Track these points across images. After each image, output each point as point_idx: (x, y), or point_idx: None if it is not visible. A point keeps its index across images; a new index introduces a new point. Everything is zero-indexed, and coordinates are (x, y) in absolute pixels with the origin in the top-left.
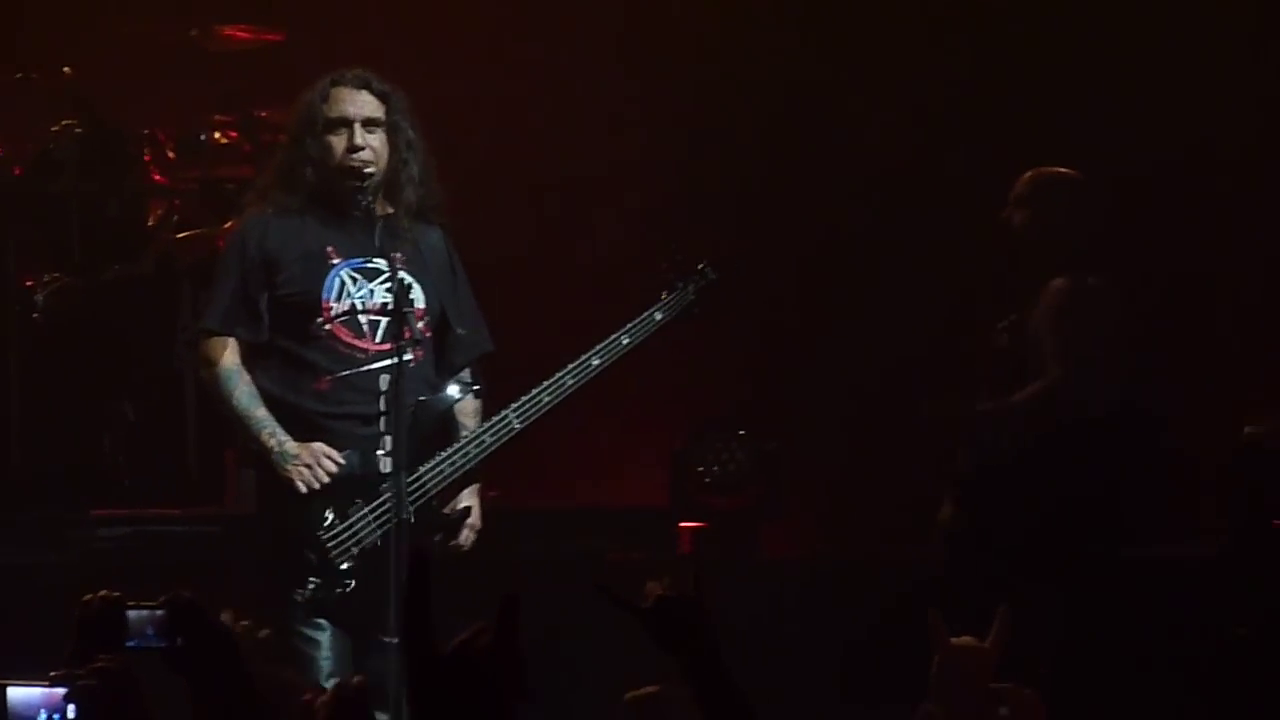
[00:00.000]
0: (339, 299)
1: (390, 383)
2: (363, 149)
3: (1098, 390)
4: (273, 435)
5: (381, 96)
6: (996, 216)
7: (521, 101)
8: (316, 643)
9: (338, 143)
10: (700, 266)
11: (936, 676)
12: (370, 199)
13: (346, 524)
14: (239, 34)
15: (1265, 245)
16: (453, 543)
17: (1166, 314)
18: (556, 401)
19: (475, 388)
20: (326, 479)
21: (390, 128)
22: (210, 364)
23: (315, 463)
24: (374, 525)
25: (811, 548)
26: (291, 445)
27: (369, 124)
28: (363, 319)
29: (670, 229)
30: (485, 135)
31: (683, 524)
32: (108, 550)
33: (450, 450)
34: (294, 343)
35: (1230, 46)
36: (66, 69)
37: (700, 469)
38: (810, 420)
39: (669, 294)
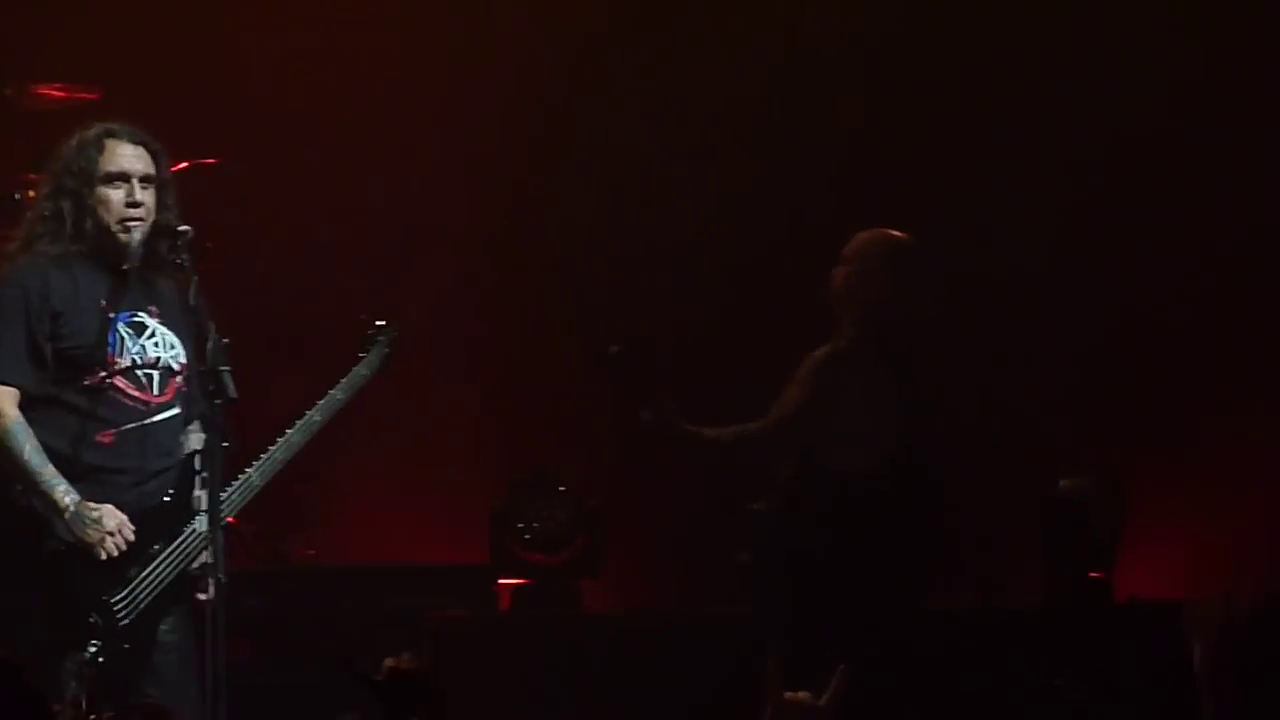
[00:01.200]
0: (120, 353)
1: (206, 440)
2: (141, 204)
3: (839, 452)
4: (66, 494)
5: (154, 155)
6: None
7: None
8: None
9: (116, 196)
10: (385, 323)
11: None
12: (142, 253)
13: (129, 587)
14: (53, 93)
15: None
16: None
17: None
18: (289, 457)
19: (225, 445)
20: (124, 546)
21: (160, 185)
22: None
23: (117, 529)
24: (150, 587)
25: (634, 604)
26: (88, 508)
27: (145, 180)
28: (140, 373)
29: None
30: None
31: (503, 580)
32: None
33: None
34: (76, 395)
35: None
36: None
37: (520, 525)
38: (632, 477)
39: (368, 349)
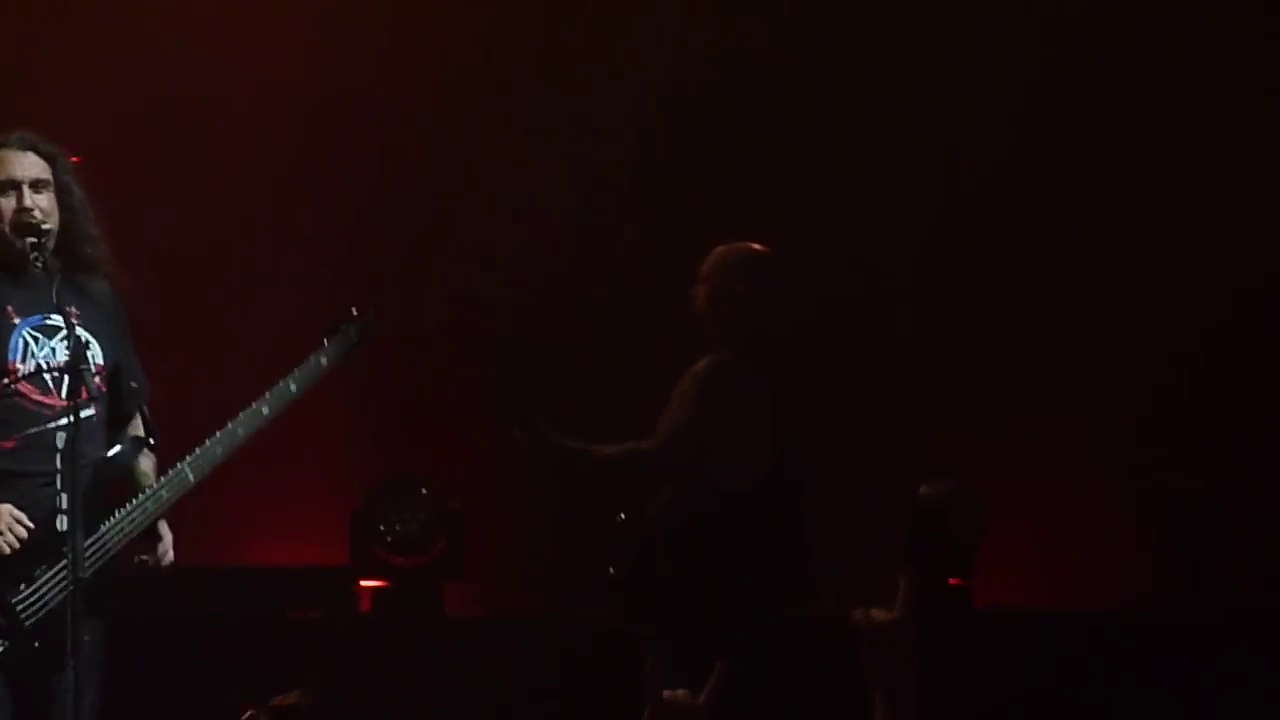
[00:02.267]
0: (24, 359)
1: (66, 441)
2: (31, 209)
3: (722, 467)
4: None
5: (48, 158)
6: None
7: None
8: None
9: (6, 204)
10: (360, 311)
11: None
12: (47, 255)
13: (34, 586)
14: None
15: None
16: (153, 563)
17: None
18: (230, 452)
19: (150, 442)
20: (16, 545)
21: (60, 188)
22: None
23: (7, 528)
24: (58, 586)
25: (495, 606)
26: None
27: (36, 185)
28: (47, 377)
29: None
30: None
31: (364, 582)
32: None
33: (130, 506)
34: None
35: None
36: None
37: (382, 527)
38: (493, 479)
39: (331, 337)
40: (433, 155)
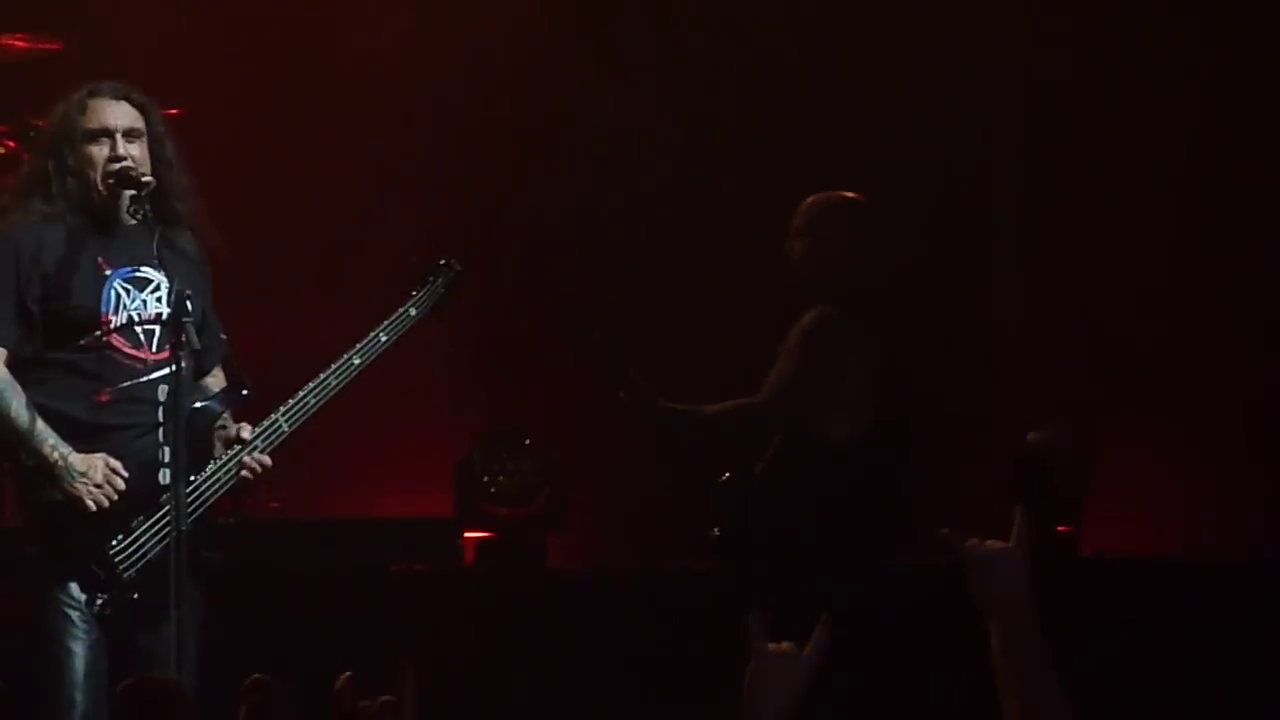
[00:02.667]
0: (116, 311)
1: (169, 394)
2: (125, 159)
3: (826, 421)
4: (55, 449)
5: (140, 107)
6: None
7: (299, 118)
8: (74, 654)
9: (98, 153)
10: (446, 261)
11: (750, 685)
12: (146, 207)
13: (131, 538)
14: (15, 43)
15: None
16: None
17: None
18: (322, 402)
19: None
20: (115, 496)
21: (152, 138)
22: None
23: (105, 480)
24: (156, 537)
25: (599, 559)
26: (77, 459)
27: (129, 134)
28: (139, 330)
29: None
30: (259, 150)
31: (468, 534)
32: None
33: (225, 458)
34: (71, 354)
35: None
36: None
37: (485, 479)
38: (596, 431)
39: (420, 289)
40: (533, 109)
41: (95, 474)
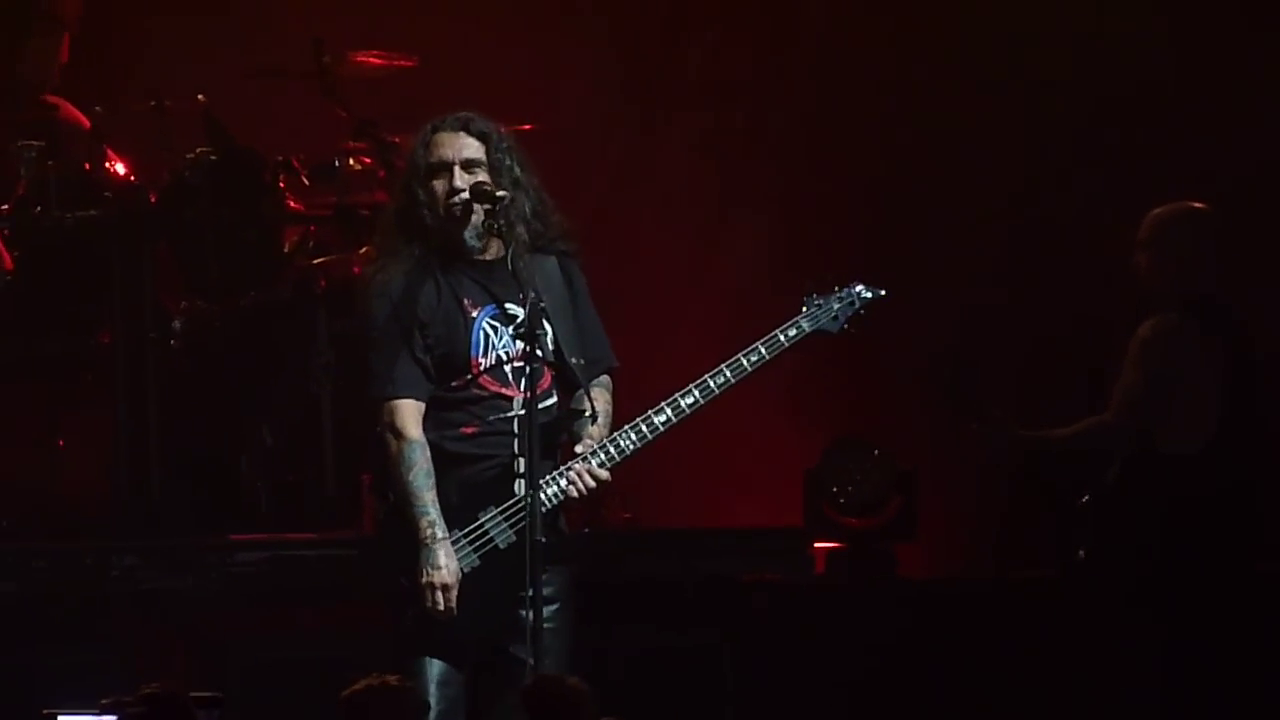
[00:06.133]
0: (485, 353)
1: (523, 402)
2: (463, 190)
3: (1172, 431)
4: (431, 527)
5: (481, 137)
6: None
7: (650, 129)
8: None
9: (440, 187)
10: (843, 285)
11: None
12: (501, 222)
13: (479, 528)
14: (372, 60)
15: None
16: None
17: None
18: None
19: (587, 414)
20: (443, 610)
21: (492, 168)
22: (399, 435)
23: (447, 598)
24: (502, 532)
25: (948, 569)
26: (443, 553)
27: (469, 165)
28: (508, 369)
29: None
30: (613, 163)
31: (818, 544)
32: (246, 575)
33: (556, 473)
34: (443, 393)
35: None
36: (200, 96)
37: (835, 489)
38: (943, 440)
39: (806, 310)
40: (881, 121)
41: (449, 578)
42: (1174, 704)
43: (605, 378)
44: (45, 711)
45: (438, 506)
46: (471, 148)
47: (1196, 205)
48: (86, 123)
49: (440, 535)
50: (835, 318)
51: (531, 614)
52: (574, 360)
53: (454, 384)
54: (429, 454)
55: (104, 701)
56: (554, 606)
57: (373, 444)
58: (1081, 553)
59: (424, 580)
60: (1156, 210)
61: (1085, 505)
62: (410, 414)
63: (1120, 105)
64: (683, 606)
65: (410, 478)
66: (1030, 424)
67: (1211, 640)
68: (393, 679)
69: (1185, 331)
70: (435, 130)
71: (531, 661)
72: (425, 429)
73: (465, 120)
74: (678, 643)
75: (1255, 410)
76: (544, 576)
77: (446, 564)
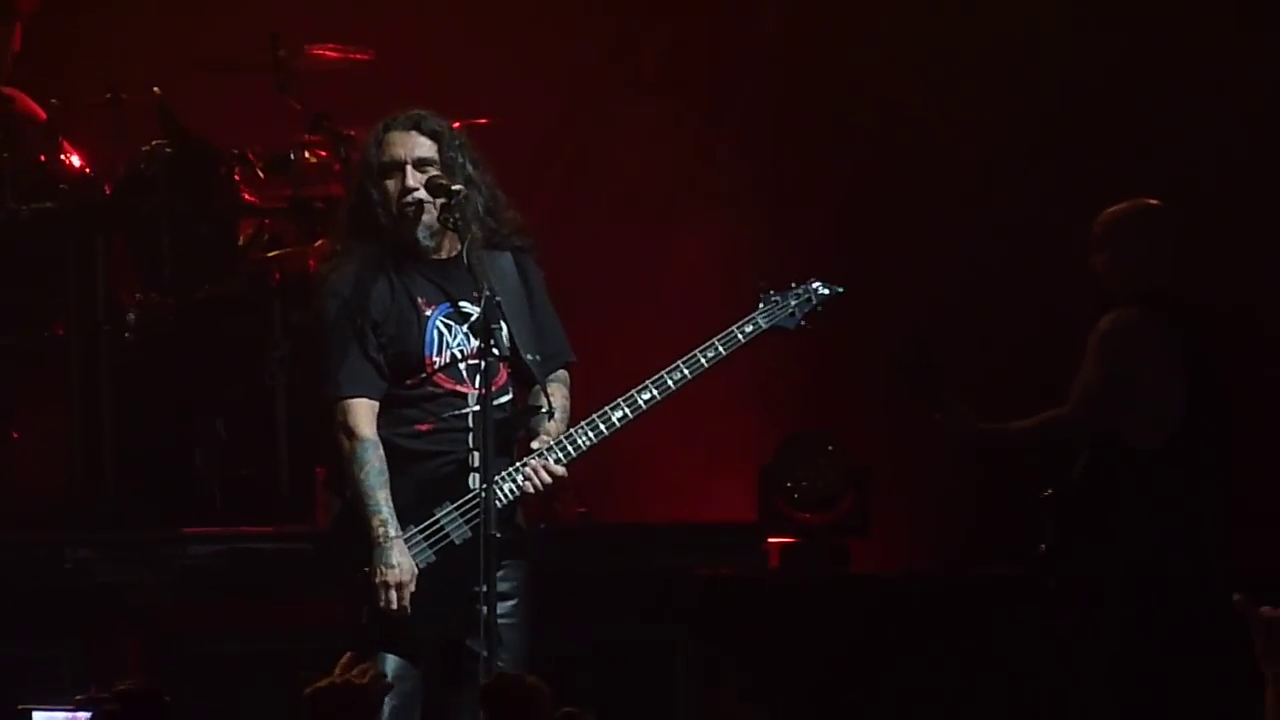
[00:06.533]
0: (439, 351)
1: (478, 398)
2: (415, 189)
3: (1135, 426)
4: (384, 525)
5: (433, 135)
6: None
7: (606, 123)
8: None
9: (393, 186)
10: (800, 282)
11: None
12: (457, 215)
13: (434, 524)
14: (327, 54)
15: None
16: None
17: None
18: (634, 417)
19: (544, 411)
20: (396, 609)
21: (444, 166)
22: (351, 434)
23: (401, 596)
24: (456, 527)
25: (902, 565)
26: (396, 552)
27: (421, 164)
28: (462, 367)
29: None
30: (568, 158)
31: (771, 539)
32: (200, 568)
33: (512, 468)
34: (397, 390)
35: None
36: (156, 89)
37: (789, 484)
38: (900, 436)
39: (762, 308)
40: (841, 114)
41: (402, 576)
42: (1136, 701)
43: (563, 373)
44: (20, 707)
45: (390, 505)
46: (424, 146)
47: (1151, 201)
48: (43, 115)
49: (393, 534)
50: (792, 314)
51: (487, 608)
52: (530, 356)
53: (408, 382)
54: (382, 452)
55: (79, 698)
56: (511, 602)
57: (328, 440)
58: (1044, 547)
59: (377, 579)
60: (1110, 209)
61: (1049, 499)
62: (363, 413)
63: (1080, 101)
64: (637, 601)
65: (363, 476)
66: (991, 418)
67: (1175, 637)
68: (356, 674)
69: (1145, 326)
70: (387, 129)
71: (485, 654)
72: (380, 426)
73: (417, 119)
74: (632, 636)
75: (1219, 405)
76: (501, 572)
77: (399, 562)
